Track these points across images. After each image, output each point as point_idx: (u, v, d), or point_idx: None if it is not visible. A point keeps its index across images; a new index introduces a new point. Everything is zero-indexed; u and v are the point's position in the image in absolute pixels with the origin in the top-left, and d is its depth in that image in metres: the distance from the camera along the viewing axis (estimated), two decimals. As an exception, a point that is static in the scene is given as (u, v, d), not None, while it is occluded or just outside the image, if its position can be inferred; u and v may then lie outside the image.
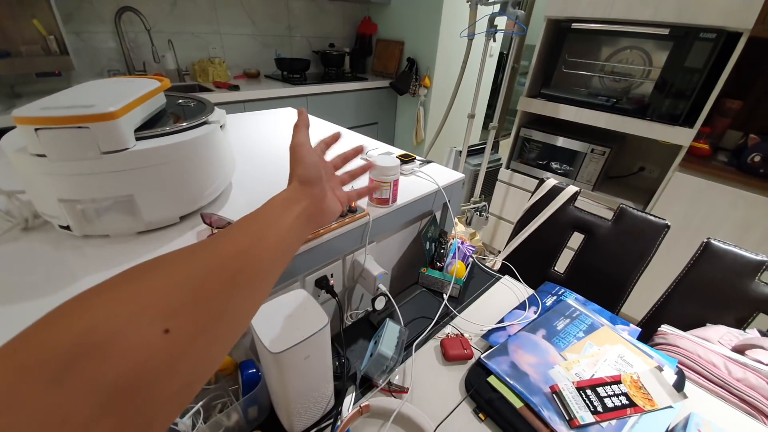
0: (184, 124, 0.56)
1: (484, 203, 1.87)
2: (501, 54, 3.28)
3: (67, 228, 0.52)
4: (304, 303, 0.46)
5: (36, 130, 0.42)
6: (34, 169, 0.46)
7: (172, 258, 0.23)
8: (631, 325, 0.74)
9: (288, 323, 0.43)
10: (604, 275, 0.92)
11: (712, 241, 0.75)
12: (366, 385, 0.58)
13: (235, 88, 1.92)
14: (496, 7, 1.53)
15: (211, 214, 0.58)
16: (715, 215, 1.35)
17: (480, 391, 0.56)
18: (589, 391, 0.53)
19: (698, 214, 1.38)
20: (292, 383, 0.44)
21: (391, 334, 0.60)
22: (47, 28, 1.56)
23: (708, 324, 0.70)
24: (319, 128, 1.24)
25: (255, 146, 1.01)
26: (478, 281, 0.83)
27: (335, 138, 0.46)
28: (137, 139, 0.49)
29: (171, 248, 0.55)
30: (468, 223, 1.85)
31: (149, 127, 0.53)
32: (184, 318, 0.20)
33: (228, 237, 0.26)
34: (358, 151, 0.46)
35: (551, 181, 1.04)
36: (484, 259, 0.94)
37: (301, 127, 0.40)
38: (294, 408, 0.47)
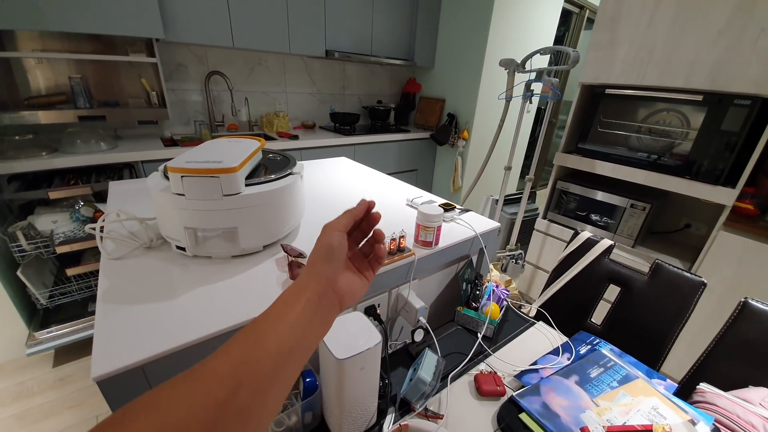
0: (272, 176, 0.72)
1: (520, 251, 1.89)
2: (539, 109, 3.43)
3: (183, 249, 0.67)
4: (361, 323, 0.56)
5: (182, 177, 0.59)
6: (172, 204, 0.62)
7: (156, 400, 0.21)
8: (668, 380, 0.75)
9: (349, 338, 0.52)
10: (642, 330, 0.93)
11: (750, 300, 0.76)
12: (404, 409, 0.64)
13: (295, 137, 2.20)
14: (533, 74, 1.68)
15: (287, 245, 0.72)
16: (765, 277, 1.29)
17: (512, 426, 0.60)
18: (618, 435, 0.56)
19: (747, 275, 1.33)
20: (347, 390, 0.52)
21: (429, 362, 0.67)
22: (151, 85, 1.94)
23: (750, 386, 0.69)
24: (363, 174, 1.39)
25: (313, 191, 1.17)
26: (512, 324, 0.88)
27: (364, 208, 0.36)
28: (245, 185, 0.65)
29: (257, 270, 0.69)
30: (503, 270, 1.88)
31: (251, 176, 0.69)
32: None
33: (219, 357, 0.24)
34: (368, 207, 0.37)
35: (585, 234, 1.09)
36: (521, 305, 0.98)
37: (347, 214, 0.35)
38: (344, 415, 0.55)
